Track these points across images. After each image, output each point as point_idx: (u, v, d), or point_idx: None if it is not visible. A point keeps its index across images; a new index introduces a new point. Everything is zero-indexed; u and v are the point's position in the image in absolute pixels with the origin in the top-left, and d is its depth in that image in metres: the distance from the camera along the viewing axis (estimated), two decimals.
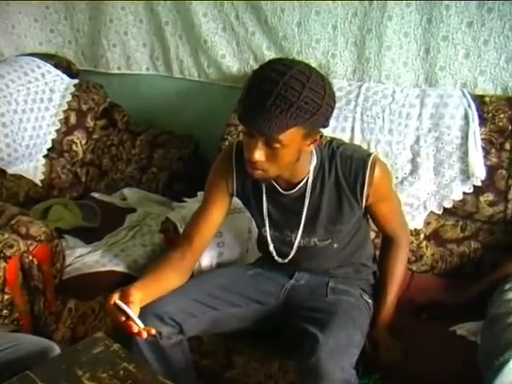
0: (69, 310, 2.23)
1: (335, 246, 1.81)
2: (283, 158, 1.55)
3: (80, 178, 3.02)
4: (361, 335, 1.69)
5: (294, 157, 1.58)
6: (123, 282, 2.27)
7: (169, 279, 1.72)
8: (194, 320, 1.75)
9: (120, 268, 2.28)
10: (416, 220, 2.26)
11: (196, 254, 1.82)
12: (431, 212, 2.27)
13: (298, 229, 1.77)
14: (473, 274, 2.19)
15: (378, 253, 1.99)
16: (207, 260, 2.07)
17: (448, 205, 2.23)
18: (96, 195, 2.93)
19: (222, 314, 1.80)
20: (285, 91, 1.43)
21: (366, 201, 1.72)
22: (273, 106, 1.44)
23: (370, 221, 1.89)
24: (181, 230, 2.04)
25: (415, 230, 2.26)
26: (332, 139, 1.78)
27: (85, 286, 2.23)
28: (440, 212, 2.26)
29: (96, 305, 2.28)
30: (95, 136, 3.05)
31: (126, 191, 2.90)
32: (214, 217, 1.80)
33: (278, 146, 1.50)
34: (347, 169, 1.69)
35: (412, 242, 2.24)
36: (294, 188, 1.73)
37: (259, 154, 1.52)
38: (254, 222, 1.92)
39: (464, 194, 2.20)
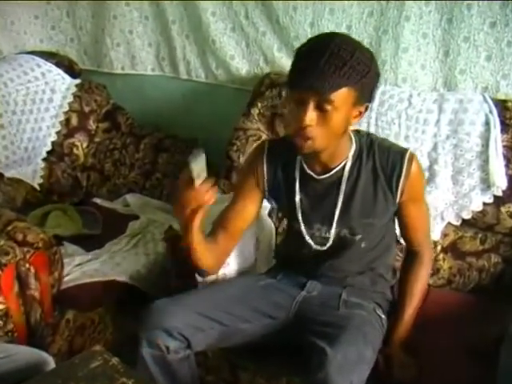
0: (66, 322, 2.22)
1: (363, 245, 1.83)
2: (333, 123, 1.59)
3: (81, 183, 3.02)
4: (372, 351, 1.68)
5: (343, 124, 1.63)
6: (125, 292, 2.28)
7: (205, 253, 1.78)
8: (201, 335, 1.76)
9: (122, 278, 2.28)
10: (433, 231, 2.23)
11: (232, 239, 1.87)
12: (449, 223, 2.25)
13: (331, 220, 1.79)
14: (493, 290, 2.17)
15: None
16: None
17: (467, 216, 2.22)
18: (97, 201, 2.93)
19: (231, 329, 1.81)
20: (338, 50, 1.52)
21: (401, 196, 1.76)
22: (326, 64, 1.51)
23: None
24: None
25: (432, 241, 2.23)
26: (369, 133, 1.87)
27: (84, 296, 2.23)
28: (458, 223, 2.25)
29: (96, 316, 2.28)
30: (97, 139, 3.05)
31: (129, 197, 2.90)
32: (246, 210, 1.86)
33: (329, 107, 1.55)
34: (385, 159, 1.74)
35: None
36: (331, 172, 1.76)
37: (310, 118, 1.56)
38: (264, 229, 2.01)
39: (484, 204, 2.19)
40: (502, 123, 2.19)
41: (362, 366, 1.62)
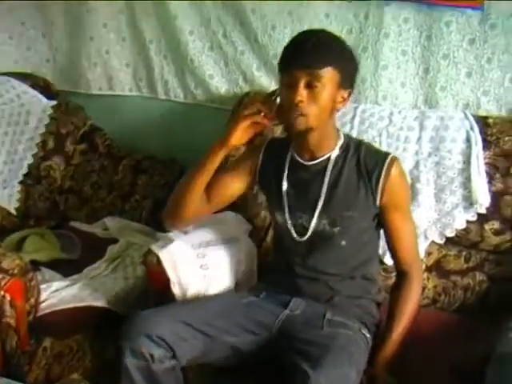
0: (43, 350, 2.20)
1: (343, 242, 1.89)
2: (322, 100, 1.76)
3: (58, 206, 3.01)
4: (356, 373, 1.67)
5: (330, 104, 1.79)
6: (103, 317, 2.27)
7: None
8: (186, 345, 1.77)
9: (99, 303, 2.26)
10: None
11: (210, 207, 2.03)
12: (432, 241, 2.25)
13: (314, 209, 1.89)
14: (478, 309, 2.18)
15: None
16: (192, 294, 2.06)
17: (450, 234, 2.23)
18: (75, 225, 2.91)
19: (215, 340, 1.81)
20: (323, 36, 1.79)
21: (381, 197, 1.84)
22: (314, 45, 1.73)
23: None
24: (164, 262, 2.04)
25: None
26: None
27: (61, 323, 2.20)
28: (442, 241, 2.25)
29: (74, 343, 2.26)
30: (75, 161, 3.04)
31: (108, 220, 2.88)
32: (233, 185, 2.02)
33: (318, 84, 1.73)
34: (369, 158, 1.87)
35: None
36: (318, 159, 1.89)
37: (301, 94, 1.73)
38: (245, 251, 2.10)
39: (467, 222, 2.20)
40: (484, 140, 2.21)
41: None
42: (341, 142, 1.91)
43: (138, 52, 3.01)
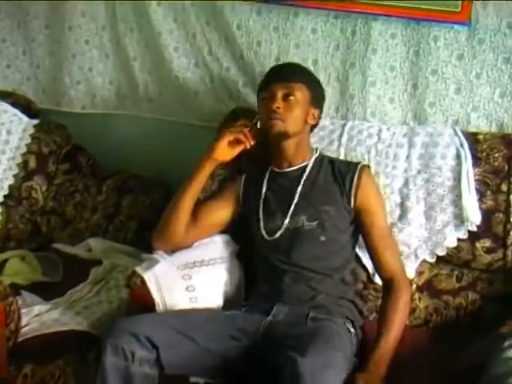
0: (24, 377, 2.17)
1: (322, 238, 2.06)
2: (296, 111, 2.09)
3: (40, 228, 2.99)
4: (343, 357, 1.73)
5: (303, 116, 2.12)
6: (86, 342, 2.25)
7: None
8: (172, 351, 1.79)
9: (82, 327, 2.24)
10: (407, 269, 2.23)
11: (197, 234, 2.21)
12: (423, 260, 2.26)
13: (289, 207, 2.11)
14: (471, 328, 2.17)
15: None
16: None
17: (441, 252, 2.23)
18: (58, 246, 2.89)
19: (202, 348, 1.84)
20: (296, 65, 2.29)
21: (355, 200, 2.09)
22: (290, 65, 2.28)
23: None
24: (149, 284, 2.05)
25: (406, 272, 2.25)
26: None
27: (43, 348, 2.18)
28: (433, 260, 2.26)
29: (56, 369, 2.22)
30: (57, 181, 3.02)
31: (92, 242, 2.86)
32: (220, 212, 2.24)
33: (292, 98, 2.08)
34: (343, 165, 2.16)
35: None
36: (295, 166, 2.16)
37: (278, 103, 2.06)
38: (232, 272, 2.18)
39: (458, 240, 2.21)
40: (474, 156, 2.22)
41: (334, 371, 1.65)
42: (316, 155, 2.20)
43: (122, 69, 3.02)
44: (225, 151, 2.15)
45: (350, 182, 2.09)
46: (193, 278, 2.11)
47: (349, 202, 2.09)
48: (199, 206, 2.21)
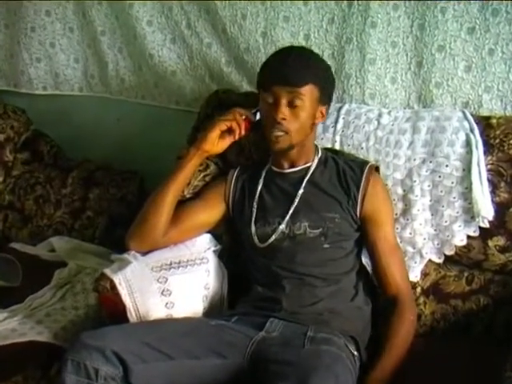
0: None
1: (325, 245, 2.07)
2: (302, 119, 2.05)
3: None
4: None
5: (310, 120, 2.09)
6: (48, 355, 2.24)
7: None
8: (143, 366, 1.77)
9: (43, 337, 2.23)
10: (412, 271, 2.25)
11: (178, 235, 2.19)
12: (429, 261, 2.26)
13: (288, 212, 2.11)
14: (483, 337, 2.18)
15: None
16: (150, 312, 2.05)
17: (449, 251, 2.23)
18: (16, 246, 2.89)
19: (178, 365, 1.82)
20: (301, 52, 2.12)
21: (362, 206, 2.11)
22: (295, 60, 2.03)
23: None
24: (119, 288, 2.04)
25: (410, 283, 2.24)
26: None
27: None
28: (440, 260, 2.26)
29: None
30: (15, 172, 3.03)
31: (55, 241, 2.86)
32: (204, 214, 2.22)
33: (299, 102, 2.02)
34: (348, 168, 2.15)
35: None
36: (298, 167, 2.17)
37: (283, 112, 2.02)
38: (214, 274, 2.22)
39: (468, 237, 2.21)
40: (486, 143, 2.21)
41: None
42: (319, 155, 2.20)
43: (89, 45, 3.02)
44: (216, 142, 2.16)
45: (356, 187, 2.11)
46: (169, 280, 2.11)
47: (355, 210, 2.12)
48: (182, 204, 2.21)
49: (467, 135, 2.23)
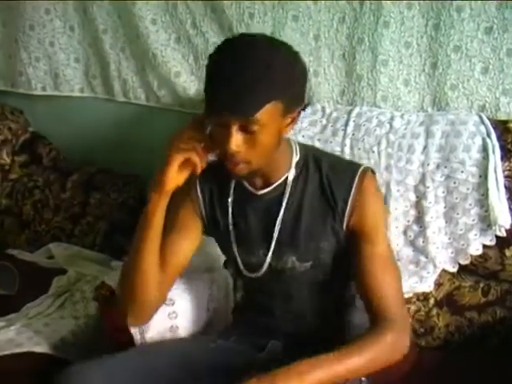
0: None
1: (320, 277, 1.86)
2: (263, 143, 1.65)
3: None
4: None
5: (275, 140, 1.70)
6: (46, 367, 2.24)
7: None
8: None
9: (42, 348, 2.23)
10: (424, 281, 2.25)
11: (170, 282, 1.92)
12: (443, 270, 2.26)
13: (270, 243, 1.85)
14: (499, 350, 2.18)
15: None
16: (155, 335, 2.04)
17: (464, 261, 2.23)
18: (13, 253, 2.90)
19: None
20: (252, 64, 1.58)
21: (349, 220, 1.78)
22: (243, 82, 1.57)
23: None
24: None
25: (423, 294, 2.26)
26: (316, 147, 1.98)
27: None
28: (454, 270, 2.26)
29: None
30: (13, 176, 3.03)
31: (54, 247, 2.87)
32: (185, 243, 1.91)
33: (255, 128, 1.61)
34: (333, 174, 1.81)
35: (419, 310, 2.24)
36: (272, 185, 1.83)
37: (236, 143, 1.62)
38: (219, 283, 2.10)
39: (484, 247, 2.20)
40: (503, 148, 2.21)
41: None
42: (296, 158, 1.83)
43: (90, 44, 3.02)
44: (177, 176, 1.77)
45: (343, 199, 1.78)
46: (172, 290, 2.11)
47: (341, 225, 1.80)
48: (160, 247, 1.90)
49: (484, 140, 2.23)
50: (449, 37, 2.35)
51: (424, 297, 2.26)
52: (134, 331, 2.01)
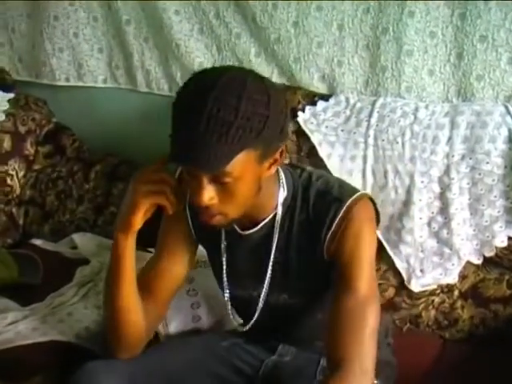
0: None
1: (319, 316, 1.75)
2: (240, 194, 1.52)
3: (16, 221, 3.01)
4: None
5: (254, 188, 1.55)
6: (70, 356, 2.25)
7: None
8: None
9: (65, 337, 2.22)
10: (449, 274, 2.25)
11: (161, 309, 1.82)
12: (468, 262, 2.26)
13: (264, 281, 1.74)
14: None
15: None
16: (178, 325, 2.05)
17: (489, 253, 2.23)
18: (37, 242, 2.91)
19: None
20: (217, 111, 1.40)
21: (330, 244, 1.64)
22: (207, 133, 1.40)
23: None
24: None
25: (447, 286, 2.26)
26: (313, 170, 1.76)
27: (17, 363, 2.16)
28: (479, 262, 2.26)
29: None
30: (37, 166, 3.04)
31: (77, 237, 2.87)
32: (175, 268, 1.81)
33: (228, 180, 1.47)
34: (319, 205, 1.66)
35: (443, 302, 2.24)
36: (259, 225, 1.70)
37: (208, 196, 1.49)
38: None
39: (510, 238, 2.20)
40: None
41: None
42: (284, 194, 1.68)
43: (113, 35, 3.02)
44: (144, 216, 1.62)
45: (327, 227, 1.63)
46: (195, 280, 2.11)
47: (322, 254, 1.67)
48: (145, 274, 1.81)
49: (509, 130, 2.22)
50: (475, 26, 2.32)
51: (448, 289, 2.25)
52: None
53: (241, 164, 1.45)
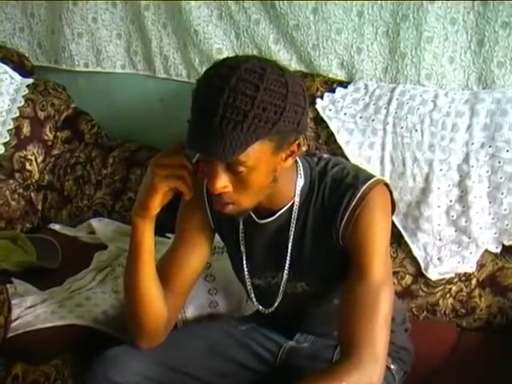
0: (14, 378, 2.19)
1: (335, 301, 1.74)
2: (254, 184, 1.53)
3: (35, 206, 3.03)
4: None
5: (268, 179, 1.56)
6: (88, 339, 2.26)
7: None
8: None
9: (83, 321, 2.25)
10: (467, 262, 2.25)
11: (179, 299, 1.82)
12: (486, 251, 2.25)
13: (282, 270, 1.76)
14: None
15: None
16: (195, 310, 2.06)
17: (508, 241, 2.23)
18: (55, 227, 2.94)
19: None
20: (233, 100, 1.41)
21: (345, 230, 1.65)
22: (222, 121, 1.41)
23: None
24: None
25: (465, 274, 2.25)
26: (330, 158, 1.76)
27: (37, 346, 2.19)
28: (498, 251, 2.25)
29: (51, 370, 2.24)
30: (55, 151, 3.05)
31: (95, 222, 2.90)
32: (194, 256, 1.81)
33: (242, 169, 1.48)
34: (335, 193, 1.67)
35: (461, 290, 2.23)
36: (276, 214, 1.71)
37: (222, 184, 1.50)
38: None
39: None
40: None
41: None
42: (301, 182, 1.69)
43: (132, 20, 3.02)
44: (161, 200, 1.62)
45: (342, 213, 1.64)
46: (212, 266, 2.12)
47: (339, 241, 1.68)
48: (163, 266, 1.81)
49: None
50: (497, 12, 2.30)
51: (466, 277, 2.25)
52: None
53: (255, 154, 1.46)
